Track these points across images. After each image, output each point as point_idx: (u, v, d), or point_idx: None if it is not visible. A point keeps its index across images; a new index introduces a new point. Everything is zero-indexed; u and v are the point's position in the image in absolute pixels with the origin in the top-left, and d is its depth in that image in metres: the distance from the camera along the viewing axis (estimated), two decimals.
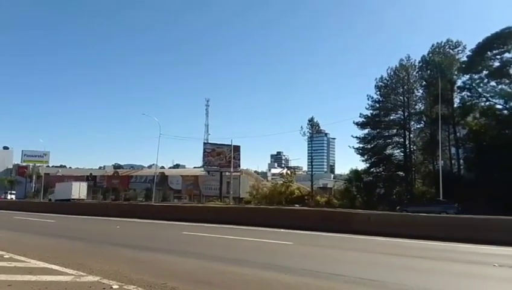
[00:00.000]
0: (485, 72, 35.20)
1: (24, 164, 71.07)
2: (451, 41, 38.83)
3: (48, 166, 70.83)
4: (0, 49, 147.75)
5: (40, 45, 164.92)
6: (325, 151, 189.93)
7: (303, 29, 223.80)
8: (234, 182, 48.77)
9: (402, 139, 41.81)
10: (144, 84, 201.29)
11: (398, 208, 29.68)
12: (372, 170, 42.42)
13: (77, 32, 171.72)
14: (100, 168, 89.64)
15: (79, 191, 46.14)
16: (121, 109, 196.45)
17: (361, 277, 6.16)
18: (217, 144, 53.18)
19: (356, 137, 43.41)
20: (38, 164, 66.93)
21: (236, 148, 50.43)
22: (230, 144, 50.11)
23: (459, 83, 37.66)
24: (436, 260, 8.47)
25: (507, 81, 34.50)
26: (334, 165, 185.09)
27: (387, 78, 42.26)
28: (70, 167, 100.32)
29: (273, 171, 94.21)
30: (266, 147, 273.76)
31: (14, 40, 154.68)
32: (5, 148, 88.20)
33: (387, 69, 42.31)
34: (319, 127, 51.82)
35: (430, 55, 39.11)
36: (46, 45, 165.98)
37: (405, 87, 41.62)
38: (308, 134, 50.11)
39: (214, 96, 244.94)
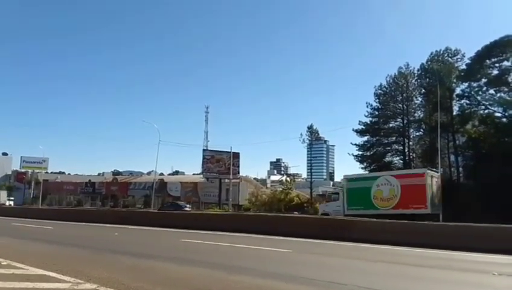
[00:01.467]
0: (483, 80, 35.41)
1: (23, 170, 70.70)
2: (450, 50, 39.14)
3: (47, 172, 70.63)
4: (0, 57, 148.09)
5: (40, 53, 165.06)
6: (325, 158, 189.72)
7: (302, 37, 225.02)
8: (233, 189, 48.64)
9: (401, 147, 41.92)
10: (144, 91, 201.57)
11: (159, 207, 38.34)
12: None
13: (77, 41, 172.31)
14: (99, 174, 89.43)
15: None
16: (121, 115, 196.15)
17: (361, 286, 6.10)
18: (216, 151, 53.10)
19: (355, 144, 43.62)
20: (37, 170, 66.74)
21: (236, 155, 50.38)
22: (229, 150, 50.05)
23: (458, 91, 37.93)
24: (436, 269, 8.43)
25: (506, 89, 34.69)
26: (333, 173, 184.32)
27: (387, 86, 42.51)
28: (69, 174, 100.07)
29: (273, 178, 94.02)
30: (265, 154, 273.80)
31: (14, 49, 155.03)
32: (4, 154, 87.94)
33: (387, 77, 42.69)
34: (318, 134, 52.03)
35: (429, 63, 39.35)
36: (46, 53, 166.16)
37: (404, 95, 41.84)
38: (307, 141, 50.27)
39: (214, 103, 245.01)
